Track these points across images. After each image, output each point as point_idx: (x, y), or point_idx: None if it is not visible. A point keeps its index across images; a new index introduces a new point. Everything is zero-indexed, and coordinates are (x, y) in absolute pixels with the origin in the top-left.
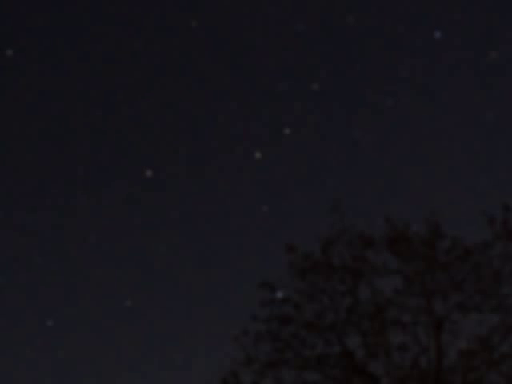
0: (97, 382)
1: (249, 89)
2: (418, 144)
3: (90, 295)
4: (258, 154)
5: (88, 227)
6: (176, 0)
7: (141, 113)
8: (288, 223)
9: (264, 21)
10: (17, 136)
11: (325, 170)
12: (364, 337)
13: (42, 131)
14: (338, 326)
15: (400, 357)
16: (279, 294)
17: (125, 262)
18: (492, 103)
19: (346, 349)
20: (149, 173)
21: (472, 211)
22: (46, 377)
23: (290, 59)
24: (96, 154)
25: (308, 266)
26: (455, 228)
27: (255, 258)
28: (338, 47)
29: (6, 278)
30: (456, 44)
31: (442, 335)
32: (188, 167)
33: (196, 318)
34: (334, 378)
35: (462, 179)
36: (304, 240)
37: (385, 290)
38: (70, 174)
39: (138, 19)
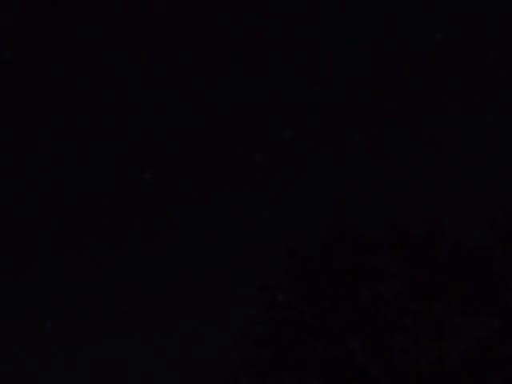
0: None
1: (249, 90)
2: (418, 145)
3: (89, 297)
4: (258, 156)
5: (87, 229)
6: (176, 0)
7: (140, 114)
8: (288, 225)
9: (264, 21)
10: (16, 137)
11: (325, 172)
12: (364, 340)
13: (41, 132)
14: (339, 329)
15: (401, 360)
16: (279, 297)
17: (123, 264)
18: (492, 104)
19: (347, 352)
20: (148, 175)
21: (473, 214)
22: (45, 378)
23: (291, 60)
24: (95, 155)
25: (308, 269)
26: (456, 230)
27: (255, 261)
28: (338, 48)
29: (6, 278)
30: (456, 44)
31: (442, 338)
32: (188, 169)
33: (196, 321)
34: (335, 382)
35: (463, 181)
36: (304, 242)
37: (385, 293)
38: (70, 175)
39: (139, 20)
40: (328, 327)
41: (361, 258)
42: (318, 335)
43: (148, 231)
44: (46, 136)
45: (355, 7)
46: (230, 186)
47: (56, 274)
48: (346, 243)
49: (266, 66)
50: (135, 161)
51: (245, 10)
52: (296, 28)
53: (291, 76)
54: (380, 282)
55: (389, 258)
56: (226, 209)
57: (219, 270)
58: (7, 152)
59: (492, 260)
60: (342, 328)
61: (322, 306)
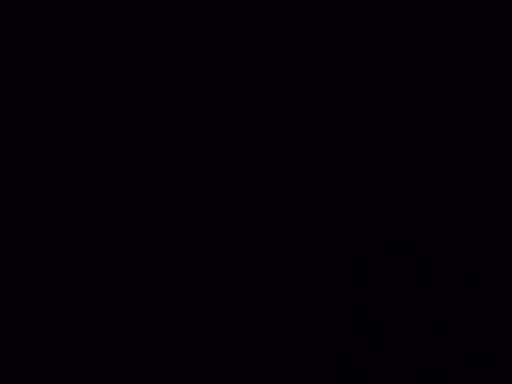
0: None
1: (248, 88)
2: (418, 145)
3: (87, 296)
4: (258, 155)
5: (86, 227)
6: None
7: (139, 114)
8: (288, 225)
9: (263, 20)
10: (15, 137)
11: (325, 170)
12: (364, 340)
13: (40, 132)
14: (338, 329)
15: (401, 361)
16: (279, 297)
17: (122, 263)
18: (492, 103)
19: (347, 352)
20: (148, 175)
21: (473, 214)
22: (45, 378)
23: (290, 59)
24: (95, 154)
25: (308, 268)
26: (456, 231)
27: (255, 261)
28: (338, 48)
29: (5, 277)
30: (456, 45)
31: (442, 339)
32: (187, 168)
33: (195, 322)
34: (335, 382)
35: (464, 181)
36: (304, 241)
37: (385, 293)
38: (69, 176)
39: (139, 19)
40: (328, 327)
41: (361, 257)
42: (318, 335)
43: (147, 231)
44: (46, 136)
45: (355, 7)
46: (229, 186)
47: (55, 273)
48: (346, 243)
49: (266, 65)
50: (135, 161)
51: (243, 8)
52: (295, 27)
53: (290, 75)
54: (380, 282)
55: (389, 259)
56: (225, 208)
57: (219, 271)
58: (6, 152)
59: (492, 259)
60: (342, 328)
61: (322, 305)
